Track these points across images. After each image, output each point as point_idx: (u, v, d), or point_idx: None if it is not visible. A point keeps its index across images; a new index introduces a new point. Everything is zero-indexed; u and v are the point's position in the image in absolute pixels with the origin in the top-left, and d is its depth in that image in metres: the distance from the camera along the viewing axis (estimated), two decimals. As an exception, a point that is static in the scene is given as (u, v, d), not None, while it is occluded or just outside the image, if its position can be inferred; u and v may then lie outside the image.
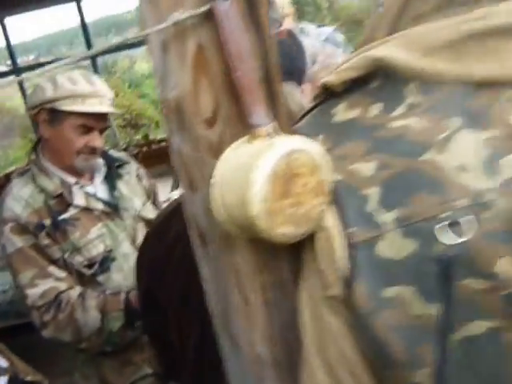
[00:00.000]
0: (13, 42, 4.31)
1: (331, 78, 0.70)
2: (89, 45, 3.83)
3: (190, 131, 0.63)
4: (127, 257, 1.79)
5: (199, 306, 0.92)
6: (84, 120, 1.68)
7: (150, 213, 1.92)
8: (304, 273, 0.68)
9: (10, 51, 4.25)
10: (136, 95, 7.48)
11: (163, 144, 4.42)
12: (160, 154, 4.09)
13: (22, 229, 1.65)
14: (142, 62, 9.39)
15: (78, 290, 1.68)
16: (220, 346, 0.77)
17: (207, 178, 0.64)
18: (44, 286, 1.64)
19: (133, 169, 1.98)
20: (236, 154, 0.58)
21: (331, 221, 0.62)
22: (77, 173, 1.77)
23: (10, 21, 4.20)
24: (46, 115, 1.70)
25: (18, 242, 1.65)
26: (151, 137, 4.61)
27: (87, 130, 1.69)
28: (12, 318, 3.45)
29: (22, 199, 1.68)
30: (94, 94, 1.67)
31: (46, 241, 1.66)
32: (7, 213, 1.67)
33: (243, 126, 0.63)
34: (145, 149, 3.80)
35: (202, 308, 0.92)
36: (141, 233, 1.84)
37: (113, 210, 1.80)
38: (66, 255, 1.68)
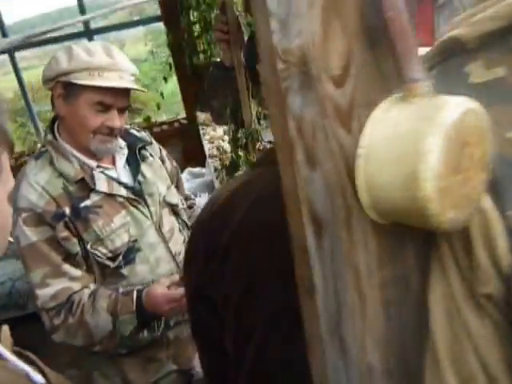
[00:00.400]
0: (12, 19, 4.10)
1: (463, 30, 0.57)
2: (86, 24, 3.66)
3: (317, 89, 0.50)
4: (153, 247, 1.65)
5: (264, 311, 0.79)
6: (101, 96, 1.50)
7: (175, 197, 1.78)
8: (436, 265, 0.56)
9: (3, 29, 4.05)
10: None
11: (164, 127, 4.25)
12: (161, 137, 3.93)
13: (37, 219, 1.49)
14: (131, 45, 9.16)
15: (91, 288, 1.55)
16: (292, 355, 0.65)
17: (334, 151, 0.51)
18: (56, 286, 1.50)
19: (156, 150, 1.83)
20: (390, 117, 0.46)
21: (488, 202, 0.50)
22: (96, 155, 1.61)
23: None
24: (61, 89, 1.53)
25: (33, 235, 1.50)
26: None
27: (105, 107, 1.52)
28: (12, 311, 3.30)
29: (39, 186, 1.52)
30: (113, 67, 1.50)
31: (63, 233, 1.50)
32: (22, 201, 1.50)
33: (381, 85, 0.50)
34: (147, 132, 3.64)
35: (267, 313, 0.79)
36: (166, 220, 1.71)
37: (137, 195, 1.64)
38: (88, 246, 1.54)
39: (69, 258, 1.53)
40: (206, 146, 3.35)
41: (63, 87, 1.52)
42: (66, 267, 1.52)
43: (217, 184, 2.66)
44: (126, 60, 1.54)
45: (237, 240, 0.81)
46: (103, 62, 1.49)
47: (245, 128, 2.00)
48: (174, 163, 1.93)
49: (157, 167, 1.77)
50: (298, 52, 0.50)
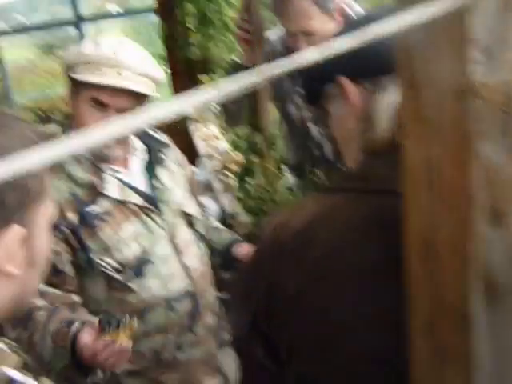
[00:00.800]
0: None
1: None
2: (77, 15, 3.49)
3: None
4: (165, 259, 1.51)
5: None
6: (96, 93, 1.36)
7: (192, 207, 1.64)
8: None
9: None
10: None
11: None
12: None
13: None
14: (122, 37, 8.98)
15: (54, 307, 1.37)
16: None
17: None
18: None
19: (174, 154, 1.68)
20: None
21: None
22: (108, 158, 1.47)
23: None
24: (69, 84, 1.42)
25: None
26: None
27: (101, 106, 1.38)
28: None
29: None
30: (113, 63, 1.34)
31: (55, 246, 1.35)
32: None
33: None
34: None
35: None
36: (180, 230, 1.57)
37: (150, 202, 1.51)
38: (93, 255, 1.40)
39: (49, 277, 1.32)
40: (199, 144, 3.23)
41: (70, 82, 1.41)
42: (41, 288, 1.34)
43: (217, 186, 2.55)
44: (134, 58, 1.38)
45: (315, 282, 0.70)
46: (103, 56, 1.35)
47: (262, 133, 1.91)
48: (191, 169, 1.80)
49: (174, 172, 1.63)
50: (502, 88, 0.41)
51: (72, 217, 1.39)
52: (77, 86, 1.39)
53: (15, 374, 0.62)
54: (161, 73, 1.45)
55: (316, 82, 0.85)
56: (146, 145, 1.58)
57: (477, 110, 0.42)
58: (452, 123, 0.44)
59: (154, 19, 3.75)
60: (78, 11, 3.56)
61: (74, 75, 1.37)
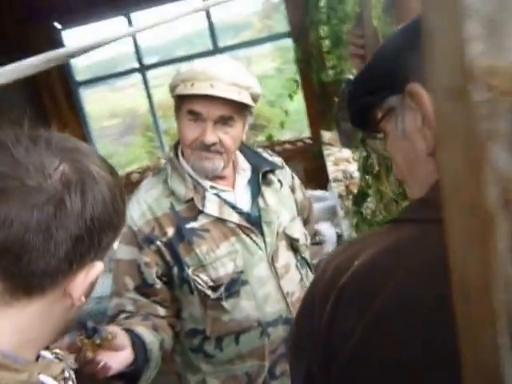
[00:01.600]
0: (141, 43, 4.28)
1: None
2: (215, 45, 3.66)
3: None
4: (262, 281, 1.46)
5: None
6: (191, 104, 1.39)
7: (298, 232, 1.57)
8: None
9: (137, 48, 4.20)
10: (252, 96, 7.34)
11: (287, 146, 4.12)
12: (282, 157, 3.77)
13: (129, 238, 1.42)
14: (257, 62, 9.33)
15: (131, 314, 1.40)
16: None
17: None
18: (121, 300, 1.43)
19: (286, 177, 1.64)
20: None
21: None
22: (216, 176, 1.48)
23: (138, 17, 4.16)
24: (175, 105, 1.47)
25: (119, 252, 1.45)
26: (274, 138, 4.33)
27: (197, 118, 1.39)
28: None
29: (146, 203, 1.45)
30: (204, 77, 1.36)
31: (147, 258, 1.40)
32: (127, 215, 1.45)
33: None
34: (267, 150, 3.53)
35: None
36: (282, 254, 1.51)
37: (252, 223, 1.47)
38: (190, 271, 1.41)
39: (141, 287, 1.42)
40: (330, 168, 3.14)
41: (174, 101, 1.46)
42: (131, 295, 1.42)
43: (341, 213, 2.44)
44: (224, 70, 1.38)
45: (379, 336, 0.59)
46: (196, 71, 1.38)
47: (377, 154, 1.78)
48: (307, 195, 1.74)
49: (284, 195, 1.59)
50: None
51: (171, 232, 1.41)
52: (177, 103, 1.44)
53: (48, 380, 0.64)
54: (253, 81, 1.43)
55: (371, 95, 0.72)
56: (256, 165, 1.56)
57: (484, 103, 0.31)
58: (457, 121, 0.33)
59: (288, 43, 3.80)
60: (216, 42, 3.74)
61: (174, 93, 1.42)
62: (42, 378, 0.63)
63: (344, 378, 0.61)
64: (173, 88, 1.43)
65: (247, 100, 1.40)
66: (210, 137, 1.38)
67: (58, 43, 4.42)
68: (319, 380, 0.63)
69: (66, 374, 0.70)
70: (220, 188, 1.49)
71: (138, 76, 4.42)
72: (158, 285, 1.41)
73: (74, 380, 0.72)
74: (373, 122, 0.73)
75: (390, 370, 0.57)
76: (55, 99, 4.46)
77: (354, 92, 0.78)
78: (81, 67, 5.37)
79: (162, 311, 1.44)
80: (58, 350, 0.71)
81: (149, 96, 4.32)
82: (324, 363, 0.62)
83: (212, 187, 1.47)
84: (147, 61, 4.40)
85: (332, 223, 2.64)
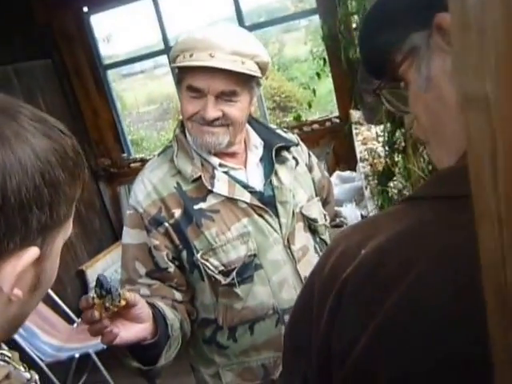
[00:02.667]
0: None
1: None
2: (240, 20, 3.59)
3: None
4: (277, 266, 1.37)
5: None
6: (190, 79, 1.29)
7: (315, 211, 1.48)
8: None
9: (163, 32, 4.15)
10: (285, 78, 7.25)
11: (315, 126, 4.00)
12: (311, 136, 3.66)
13: (136, 220, 1.35)
14: (290, 47, 9.27)
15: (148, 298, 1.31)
16: None
17: None
18: (134, 286, 1.35)
19: (302, 154, 1.55)
20: None
21: None
22: (225, 153, 1.40)
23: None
24: (176, 76, 1.40)
25: (127, 236, 1.37)
26: (303, 118, 4.21)
27: (197, 93, 1.29)
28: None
29: (150, 184, 1.37)
30: (204, 46, 1.25)
31: (157, 241, 1.33)
32: (131, 197, 1.39)
33: None
34: (296, 131, 3.41)
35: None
36: (299, 235, 1.42)
37: (265, 202, 1.38)
38: (199, 255, 1.32)
39: (154, 272, 1.34)
40: (358, 148, 3.02)
41: (176, 74, 1.38)
42: (144, 281, 1.34)
43: (366, 193, 2.33)
44: (226, 37, 1.27)
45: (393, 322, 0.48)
46: (195, 40, 1.27)
47: (404, 128, 1.66)
48: (326, 174, 1.64)
49: (300, 173, 1.49)
50: None
51: (178, 214, 1.33)
52: (178, 76, 1.35)
53: None
54: (259, 49, 1.32)
55: (387, 32, 0.58)
56: (268, 141, 1.46)
57: None
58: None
59: (316, 21, 3.66)
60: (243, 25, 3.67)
61: (172, 65, 1.33)
62: None
63: None
64: (173, 59, 1.34)
65: (253, 70, 1.29)
66: (212, 112, 1.29)
67: (86, 27, 4.41)
68: None
69: (26, 376, 0.62)
70: (230, 166, 1.40)
71: (166, 60, 4.38)
72: (172, 268, 1.34)
73: (37, 381, 0.64)
74: (390, 68, 0.60)
75: None
76: (84, 84, 4.46)
77: (366, 29, 0.63)
78: (113, 52, 5.38)
79: (178, 296, 1.36)
80: (4, 351, 0.61)
81: (174, 77, 4.28)
82: (322, 375, 0.52)
83: (221, 165, 1.38)
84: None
85: (358, 205, 2.53)
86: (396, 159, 1.85)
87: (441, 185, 0.53)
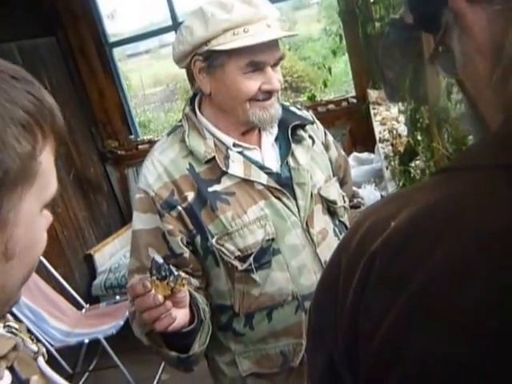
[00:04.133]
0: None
1: None
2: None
3: None
4: (296, 250, 1.30)
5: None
6: (251, 56, 1.21)
7: (334, 193, 1.40)
8: None
9: (171, 8, 4.03)
10: (297, 58, 7.10)
11: (331, 106, 3.87)
12: (327, 117, 3.53)
13: (147, 204, 1.28)
14: (302, 25, 9.09)
15: None
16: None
17: None
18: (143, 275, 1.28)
19: (318, 133, 1.47)
20: None
21: None
22: (240, 133, 1.31)
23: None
24: (202, 62, 1.24)
25: (138, 222, 1.30)
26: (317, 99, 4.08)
27: (257, 67, 1.23)
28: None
29: (161, 165, 1.29)
30: (258, 17, 1.20)
31: (170, 225, 1.25)
32: (141, 180, 1.32)
33: None
34: (310, 111, 3.30)
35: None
36: (318, 218, 1.34)
37: (282, 184, 1.31)
38: (213, 240, 1.25)
39: (169, 258, 1.26)
40: (377, 129, 2.90)
41: (204, 59, 1.24)
42: None
43: (386, 174, 2.22)
44: (267, 4, 1.25)
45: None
46: (245, 14, 1.18)
47: (428, 105, 1.55)
48: (343, 153, 1.55)
49: (316, 153, 1.41)
50: None
51: (191, 197, 1.26)
52: (220, 59, 1.23)
53: None
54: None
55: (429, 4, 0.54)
56: (283, 120, 1.37)
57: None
58: None
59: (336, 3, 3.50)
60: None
61: (217, 47, 1.20)
62: None
63: (374, 377, 0.45)
64: (205, 41, 1.21)
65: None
66: (277, 82, 1.26)
67: (91, 3, 4.28)
68: (344, 375, 0.49)
69: (34, 348, 0.59)
70: (244, 146, 1.32)
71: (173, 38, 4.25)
72: (187, 253, 1.27)
73: (45, 354, 0.61)
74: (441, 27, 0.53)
75: (429, 371, 0.42)
76: (89, 63, 4.35)
77: None
78: (117, 31, 5.24)
79: (195, 282, 1.30)
80: (11, 323, 0.58)
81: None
82: (348, 354, 0.48)
83: (235, 145, 1.30)
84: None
85: (378, 186, 2.42)
86: (419, 138, 1.74)
87: (481, 154, 0.49)
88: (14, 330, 0.57)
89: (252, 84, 1.24)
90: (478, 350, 0.41)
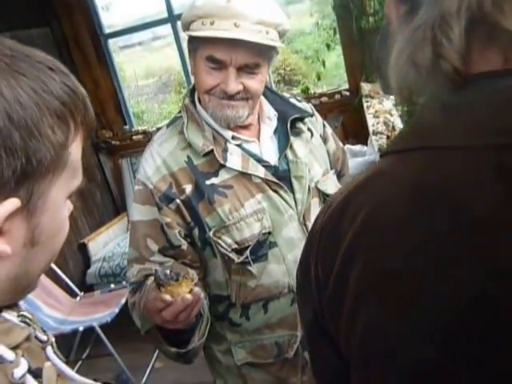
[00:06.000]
0: None
1: None
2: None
3: None
4: (292, 243, 1.32)
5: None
6: (211, 49, 1.21)
7: (332, 186, 1.41)
8: None
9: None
10: (290, 51, 7.14)
11: (324, 99, 3.91)
12: (319, 110, 3.56)
13: (146, 196, 1.29)
14: (295, 19, 9.11)
15: None
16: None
17: None
18: (144, 265, 1.32)
19: (317, 125, 1.47)
20: None
21: None
22: (238, 125, 1.32)
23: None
24: (188, 43, 1.29)
25: (136, 213, 1.31)
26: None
27: (218, 64, 1.22)
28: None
29: (160, 158, 1.30)
30: (227, 14, 1.17)
31: (168, 218, 1.27)
32: (140, 171, 1.33)
33: None
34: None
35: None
36: (315, 212, 1.34)
37: (280, 177, 1.32)
38: (211, 233, 1.27)
39: (166, 249, 1.29)
40: (370, 121, 2.94)
41: (188, 41, 1.28)
42: (158, 258, 1.29)
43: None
44: (252, 4, 1.19)
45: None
46: (216, 7, 1.18)
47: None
48: (341, 145, 1.56)
49: (315, 146, 1.42)
50: None
51: (189, 189, 1.27)
52: (193, 45, 1.27)
53: (1, 350, 0.51)
54: (283, 17, 1.24)
55: None
56: (283, 112, 1.39)
57: None
58: None
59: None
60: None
61: (188, 33, 1.24)
62: None
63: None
64: (187, 24, 1.25)
65: (276, 39, 1.23)
66: (234, 86, 1.22)
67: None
68: (325, 325, 0.58)
69: (43, 338, 0.59)
70: (243, 138, 1.33)
71: (171, 34, 4.24)
72: (185, 245, 1.29)
73: (54, 344, 0.61)
74: None
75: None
76: (84, 53, 4.34)
77: None
78: (112, 22, 5.22)
79: (193, 272, 1.30)
80: (25, 313, 0.58)
81: (179, 48, 4.15)
82: (321, 304, 0.58)
83: (234, 138, 1.32)
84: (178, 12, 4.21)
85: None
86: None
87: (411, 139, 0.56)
88: (27, 320, 0.58)
89: (208, 79, 1.24)
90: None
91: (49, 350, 0.59)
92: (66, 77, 0.53)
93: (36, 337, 0.58)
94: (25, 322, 0.57)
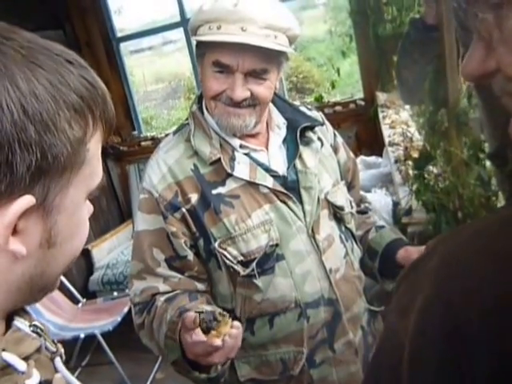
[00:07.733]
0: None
1: None
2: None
3: None
4: (300, 256, 1.26)
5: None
6: (217, 54, 1.17)
7: (342, 198, 1.35)
8: None
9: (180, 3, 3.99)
10: (302, 58, 7.11)
11: (338, 108, 3.82)
12: (333, 119, 3.49)
13: (151, 205, 1.25)
14: (308, 25, 9.08)
15: (174, 293, 1.28)
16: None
17: None
18: (147, 283, 1.28)
19: (327, 134, 1.41)
20: None
21: None
22: (246, 134, 1.27)
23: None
24: (196, 49, 1.25)
25: (141, 222, 1.27)
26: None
27: (224, 69, 1.18)
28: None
29: (165, 165, 1.26)
30: (234, 18, 1.13)
31: (173, 228, 1.23)
32: (145, 179, 1.29)
33: None
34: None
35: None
36: (324, 224, 1.30)
37: (289, 188, 1.27)
38: (216, 244, 1.22)
39: (173, 259, 1.25)
40: (386, 132, 2.86)
41: (196, 46, 1.25)
42: (163, 271, 1.25)
43: (397, 179, 2.17)
44: (260, 8, 1.15)
45: None
46: (223, 11, 1.14)
47: (448, 108, 1.50)
48: (352, 155, 1.49)
49: (325, 155, 1.36)
50: None
51: (194, 199, 1.23)
52: (200, 50, 1.23)
53: (13, 360, 0.49)
54: (293, 21, 1.20)
55: None
56: (292, 121, 1.34)
57: None
58: None
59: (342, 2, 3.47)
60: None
61: (195, 37, 1.21)
62: (6, 356, 0.48)
63: None
64: (194, 29, 1.21)
65: (285, 45, 1.18)
66: (240, 92, 1.18)
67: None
68: None
69: (52, 348, 0.57)
70: (251, 147, 1.28)
71: (183, 38, 4.22)
72: (191, 256, 1.25)
73: (63, 355, 0.59)
74: None
75: None
76: (95, 56, 4.31)
77: None
78: (123, 26, 5.20)
79: (200, 286, 1.28)
80: (37, 323, 0.56)
81: (191, 53, 4.11)
82: None
83: (242, 146, 1.27)
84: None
85: (387, 191, 2.38)
86: (436, 141, 1.69)
87: None
88: (39, 331, 0.55)
89: (214, 84, 1.20)
90: None
91: (57, 360, 0.57)
92: (85, 70, 0.51)
93: (46, 347, 0.56)
94: (36, 333, 0.55)
